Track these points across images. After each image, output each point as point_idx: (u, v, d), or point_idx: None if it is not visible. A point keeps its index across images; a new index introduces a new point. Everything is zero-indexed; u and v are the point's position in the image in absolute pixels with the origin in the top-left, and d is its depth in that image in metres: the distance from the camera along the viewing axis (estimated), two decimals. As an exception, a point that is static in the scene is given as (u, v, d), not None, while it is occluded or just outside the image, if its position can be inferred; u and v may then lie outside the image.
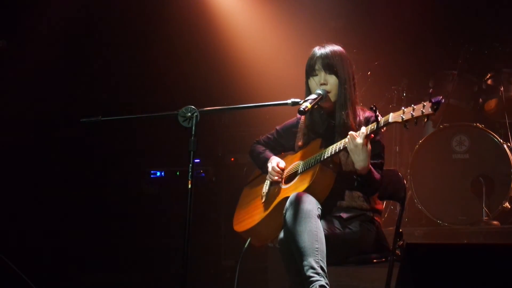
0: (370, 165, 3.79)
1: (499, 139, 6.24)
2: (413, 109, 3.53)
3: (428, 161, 6.45)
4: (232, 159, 7.02)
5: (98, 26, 7.14)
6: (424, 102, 3.49)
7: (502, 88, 6.60)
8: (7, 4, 6.46)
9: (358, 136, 3.70)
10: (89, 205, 6.94)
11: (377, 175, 3.86)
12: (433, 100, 3.45)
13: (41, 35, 6.73)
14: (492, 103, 6.79)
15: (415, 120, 3.53)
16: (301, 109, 3.78)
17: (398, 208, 6.37)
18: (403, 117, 3.56)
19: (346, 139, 3.75)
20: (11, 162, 6.53)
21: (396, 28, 7.42)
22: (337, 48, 4.06)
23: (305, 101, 3.83)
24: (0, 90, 6.35)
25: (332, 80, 3.99)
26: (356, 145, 3.69)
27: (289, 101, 3.80)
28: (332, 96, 4.00)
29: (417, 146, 6.48)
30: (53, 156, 6.85)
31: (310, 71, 4.05)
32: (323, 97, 3.95)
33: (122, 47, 7.21)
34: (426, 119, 3.51)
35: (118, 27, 7.18)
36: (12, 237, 6.20)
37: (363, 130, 3.70)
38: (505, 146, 6.20)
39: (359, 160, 3.73)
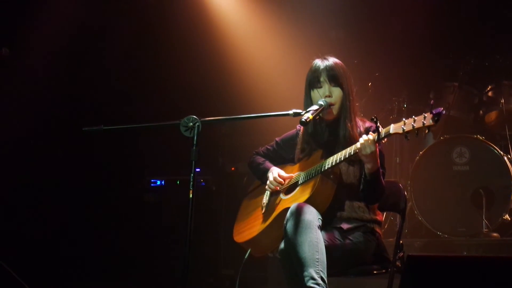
0: (378, 164, 3.80)
1: (500, 151, 6.26)
2: (414, 121, 3.53)
3: (428, 172, 6.46)
4: (233, 168, 7.02)
5: (100, 34, 7.15)
6: (425, 113, 3.50)
7: (502, 100, 6.62)
8: (9, 11, 6.48)
9: (371, 143, 3.69)
10: (89, 213, 6.93)
11: (382, 179, 3.87)
12: (434, 112, 3.45)
13: (43, 42, 6.73)
14: (492, 115, 6.81)
15: (416, 131, 3.53)
16: (303, 120, 3.78)
17: (398, 219, 6.37)
18: (404, 128, 3.56)
19: (357, 145, 3.74)
20: (12, 169, 6.53)
21: (397, 39, 7.44)
22: (337, 60, 4.09)
23: (307, 112, 3.84)
24: (2, 97, 6.36)
25: (337, 92, 4.01)
26: (371, 151, 3.69)
27: (290, 112, 3.81)
28: (336, 108, 4.01)
29: (417, 157, 6.48)
30: (54, 164, 6.85)
31: (314, 83, 4.05)
32: (325, 109, 3.96)
33: (124, 56, 7.22)
34: (427, 131, 3.51)
35: (120, 36, 7.20)
36: (12, 244, 6.19)
37: (371, 136, 3.71)
38: (505, 158, 6.21)
39: (370, 162, 3.74)
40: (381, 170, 3.87)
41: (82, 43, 7.04)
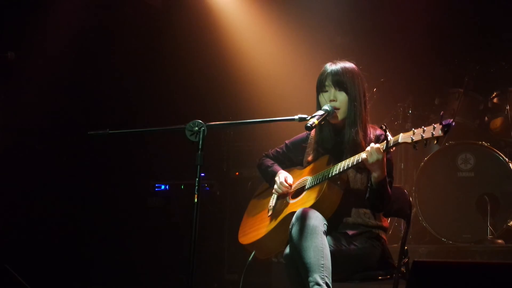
0: (385, 174, 3.80)
1: (505, 158, 6.25)
2: (423, 131, 3.53)
3: (433, 178, 6.45)
4: (237, 173, 7.02)
5: (106, 38, 7.17)
6: (434, 124, 3.50)
7: (508, 107, 6.62)
8: (16, 15, 6.50)
9: (378, 152, 3.70)
10: (93, 216, 6.93)
11: (388, 188, 3.87)
12: (443, 123, 3.45)
13: (49, 46, 6.75)
14: (497, 122, 6.80)
15: (425, 141, 3.53)
16: (308, 125, 3.78)
17: (402, 225, 6.37)
18: (413, 138, 3.56)
19: (363, 154, 3.74)
20: (16, 172, 6.53)
21: (402, 45, 7.45)
22: (348, 65, 4.07)
23: (312, 117, 3.84)
24: (8, 101, 6.37)
25: (341, 97, 4.00)
26: (378, 159, 3.70)
27: (296, 117, 3.81)
28: (341, 113, 4.01)
29: (422, 163, 6.48)
30: (59, 167, 6.85)
31: (320, 87, 4.06)
32: (330, 114, 3.96)
33: (130, 60, 7.24)
34: (435, 141, 3.52)
35: (126, 40, 7.22)
36: (17, 248, 6.19)
37: (378, 145, 3.71)
38: (510, 164, 6.21)
39: (377, 170, 3.74)
40: (388, 179, 3.87)
41: (88, 47, 7.05)
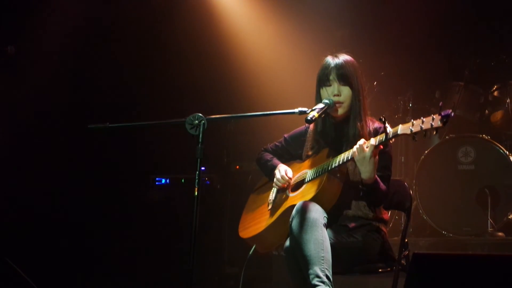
0: (376, 176, 3.79)
1: (505, 151, 6.25)
2: (422, 122, 3.51)
3: (433, 171, 6.46)
4: (237, 167, 7.02)
5: (106, 33, 7.16)
6: (433, 115, 3.49)
7: (508, 100, 6.62)
8: (16, 10, 6.49)
9: (367, 148, 3.69)
10: (93, 211, 6.93)
11: (383, 186, 3.85)
12: (442, 114, 3.44)
13: (49, 40, 6.74)
14: (498, 115, 6.80)
15: (424, 132, 3.52)
16: (308, 118, 3.77)
17: (402, 218, 6.37)
18: (412, 129, 3.55)
19: (354, 149, 3.74)
20: (16, 167, 6.53)
21: (402, 39, 7.44)
22: (349, 58, 4.05)
23: (312, 110, 3.83)
24: (8, 95, 6.37)
25: (346, 91, 3.98)
26: (364, 157, 3.69)
27: (296, 110, 3.81)
28: (344, 107, 3.99)
29: (422, 156, 6.48)
30: (58, 162, 6.85)
31: (323, 81, 4.02)
32: (330, 107, 3.95)
33: (130, 54, 7.22)
34: (435, 132, 3.51)
35: (126, 34, 7.21)
36: (17, 242, 6.20)
37: (372, 141, 3.70)
38: (511, 157, 6.21)
39: (366, 171, 3.73)
40: (386, 173, 3.89)
41: (88, 41, 7.04)
